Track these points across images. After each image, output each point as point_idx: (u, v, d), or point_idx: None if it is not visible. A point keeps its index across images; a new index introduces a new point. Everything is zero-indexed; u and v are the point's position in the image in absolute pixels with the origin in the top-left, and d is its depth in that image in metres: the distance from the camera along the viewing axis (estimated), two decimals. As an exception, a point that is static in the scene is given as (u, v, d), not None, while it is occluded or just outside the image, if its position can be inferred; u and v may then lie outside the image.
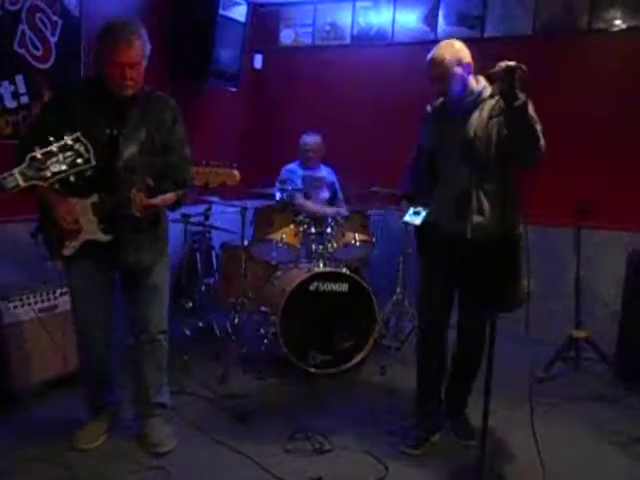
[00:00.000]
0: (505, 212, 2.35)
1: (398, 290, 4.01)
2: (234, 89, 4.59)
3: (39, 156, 1.66)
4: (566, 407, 3.14)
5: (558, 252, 4.00)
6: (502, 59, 2.22)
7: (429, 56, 2.44)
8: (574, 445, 2.77)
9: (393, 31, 4.69)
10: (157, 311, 2.53)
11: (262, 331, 3.61)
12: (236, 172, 2.29)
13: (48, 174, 1.66)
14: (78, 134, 1.70)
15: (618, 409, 3.15)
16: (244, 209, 3.70)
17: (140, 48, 2.25)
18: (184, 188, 2.36)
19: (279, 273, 3.76)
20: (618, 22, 3.99)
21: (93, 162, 1.71)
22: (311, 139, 4.16)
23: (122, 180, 2.30)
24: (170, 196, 2.37)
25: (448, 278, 2.60)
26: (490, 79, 2.31)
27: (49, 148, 1.67)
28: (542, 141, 2.31)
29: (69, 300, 2.54)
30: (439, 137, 2.52)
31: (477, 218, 2.45)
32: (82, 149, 1.69)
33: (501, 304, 2.40)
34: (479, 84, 2.48)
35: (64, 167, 1.67)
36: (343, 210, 3.98)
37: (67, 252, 2.37)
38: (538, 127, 2.29)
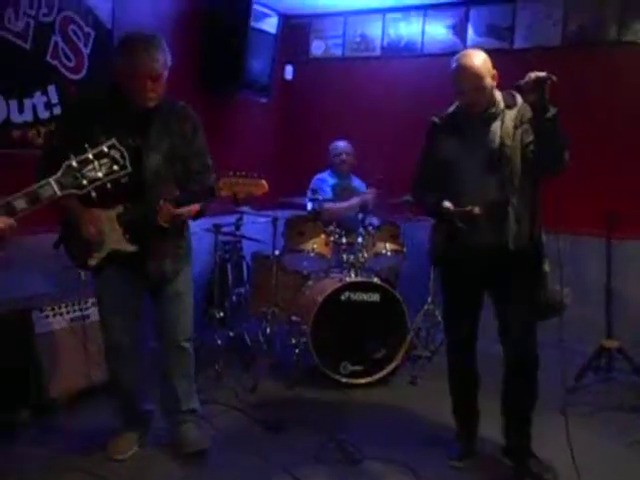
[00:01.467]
0: (535, 219, 2.38)
1: (429, 300, 3.99)
2: (265, 100, 4.61)
3: (75, 164, 1.63)
4: (598, 418, 3.09)
5: (588, 261, 4.00)
6: (532, 70, 2.20)
7: (461, 65, 2.34)
8: (607, 457, 2.71)
9: (423, 42, 4.70)
10: (182, 318, 2.52)
11: (293, 341, 3.59)
12: (264, 182, 2.27)
13: (84, 182, 1.64)
14: (114, 141, 1.68)
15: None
16: (275, 219, 3.72)
17: (162, 60, 2.25)
18: (209, 198, 2.35)
19: (310, 283, 3.75)
20: None
21: (129, 168, 1.69)
22: (342, 144, 4.16)
23: (148, 191, 2.30)
24: (195, 206, 2.38)
25: (476, 293, 2.54)
26: (520, 90, 2.26)
27: (85, 155, 1.65)
28: (567, 154, 2.28)
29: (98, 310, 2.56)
30: (457, 149, 2.42)
31: (516, 227, 2.39)
32: (118, 155, 1.66)
33: (539, 312, 2.47)
34: (498, 95, 2.45)
35: (100, 174, 1.65)
36: (371, 194, 3.92)
37: (92, 262, 2.37)
38: (565, 141, 2.27)
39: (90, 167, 1.65)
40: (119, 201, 2.29)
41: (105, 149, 1.67)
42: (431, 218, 2.66)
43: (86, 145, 1.67)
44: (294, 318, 3.65)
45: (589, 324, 3.81)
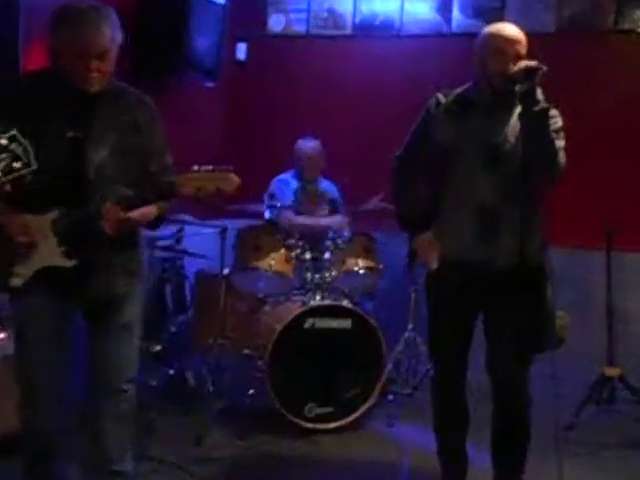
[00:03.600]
0: (534, 233, 2.42)
1: (410, 326, 4.02)
2: (212, 84, 4.61)
3: None
4: (600, 456, 3.17)
5: (586, 278, 4.14)
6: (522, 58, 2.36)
7: (501, 28, 2.48)
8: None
9: (401, 21, 4.78)
10: (127, 354, 2.43)
11: (246, 379, 3.59)
12: (233, 176, 2.23)
13: None
14: (14, 132, 1.62)
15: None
16: (224, 230, 3.68)
17: (110, 35, 2.20)
18: (169, 198, 2.31)
19: (267, 308, 3.75)
20: None
21: (34, 165, 1.63)
22: (308, 145, 4.19)
23: (91, 191, 2.23)
24: (150, 209, 2.32)
25: (466, 319, 2.60)
26: (510, 80, 2.37)
27: None
28: (562, 158, 2.39)
29: (12, 343, 2.42)
30: (455, 136, 2.50)
31: (508, 241, 2.43)
32: (20, 150, 1.60)
33: (539, 344, 2.51)
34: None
35: None
36: (341, 219, 3.98)
37: (16, 282, 2.24)
38: (560, 143, 2.38)
39: None
40: (54, 204, 2.20)
41: (3, 142, 1.60)
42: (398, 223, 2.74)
43: None
44: (247, 351, 3.64)
45: (588, 350, 3.91)
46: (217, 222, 3.76)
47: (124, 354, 2.42)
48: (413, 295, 3.96)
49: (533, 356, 2.52)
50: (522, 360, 2.51)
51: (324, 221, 3.99)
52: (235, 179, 2.24)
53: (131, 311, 2.42)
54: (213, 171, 2.22)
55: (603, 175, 4.21)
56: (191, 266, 4.24)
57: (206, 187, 2.21)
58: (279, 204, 3.87)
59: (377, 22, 4.84)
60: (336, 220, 4.01)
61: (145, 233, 2.67)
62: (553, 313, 2.50)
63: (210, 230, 3.86)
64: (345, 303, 3.54)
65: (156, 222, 2.41)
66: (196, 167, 2.22)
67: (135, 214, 2.25)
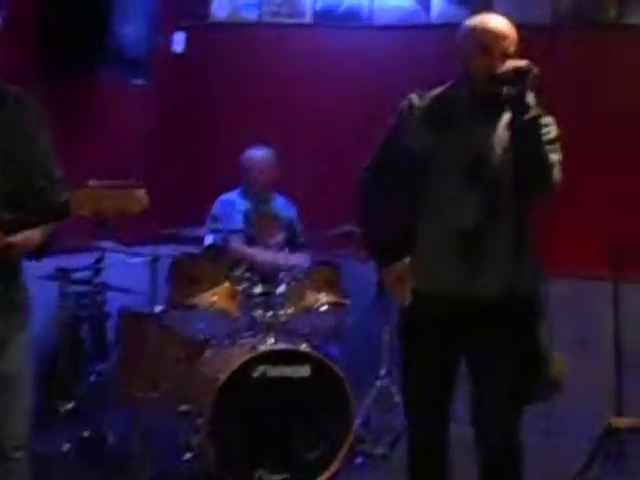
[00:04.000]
0: (526, 260, 2.46)
1: (383, 372, 4.01)
2: (141, 81, 4.61)
3: None
4: None
5: (592, 312, 4.16)
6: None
7: (487, 21, 2.51)
8: None
9: (371, 9, 4.79)
10: (14, 416, 2.35)
11: (183, 441, 3.55)
12: (142, 193, 2.19)
13: None
14: None
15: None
16: (155, 259, 3.65)
17: None
18: (57, 219, 2.26)
19: (208, 354, 3.72)
20: None
21: None
22: (259, 155, 4.20)
23: None
24: (34, 233, 2.25)
25: (446, 363, 2.60)
26: (496, 82, 2.42)
27: None
28: (556, 174, 2.42)
29: None
30: (433, 145, 2.51)
31: (495, 270, 2.46)
32: None
33: (532, 392, 2.54)
34: None
35: None
36: (304, 259, 4.01)
37: None
38: (555, 156, 2.42)
39: None
40: None
41: None
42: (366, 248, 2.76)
43: None
44: (184, 407, 3.58)
45: (593, 397, 3.95)
46: (146, 249, 3.71)
47: (10, 414, 2.35)
48: (386, 335, 3.95)
49: (525, 406, 2.53)
50: (512, 411, 2.51)
51: (282, 260, 3.94)
52: (143, 198, 2.21)
53: (15, 362, 2.36)
54: (116, 187, 2.19)
55: (611, 192, 4.26)
56: (114, 302, 4.17)
57: (106, 207, 2.18)
58: (224, 228, 3.89)
59: (342, 10, 4.84)
60: (296, 260, 3.99)
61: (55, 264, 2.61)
62: (548, 355, 2.51)
63: (137, 259, 3.81)
64: (303, 347, 3.53)
65: (42, 249, 2.35)
66: (93, 182, 2.17)
67: (17, 239, 2.21)
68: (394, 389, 3.90)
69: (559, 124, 2.48)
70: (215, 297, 3.57)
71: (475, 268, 2.46)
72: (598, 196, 4.22)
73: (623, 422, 3.66)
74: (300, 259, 4.04)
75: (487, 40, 2.46)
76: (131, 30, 4.29)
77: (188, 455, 3.45)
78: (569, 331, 3.96)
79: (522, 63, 2.34)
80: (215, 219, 3.92)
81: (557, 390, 2.57)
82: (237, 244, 4.00)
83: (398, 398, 3.84)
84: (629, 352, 3.81)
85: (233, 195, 4.17)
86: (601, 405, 3.82)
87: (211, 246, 3.88)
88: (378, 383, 3.97)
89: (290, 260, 3.95)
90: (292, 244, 4.24)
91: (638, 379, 3.92)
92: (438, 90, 2.62)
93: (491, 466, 2.58)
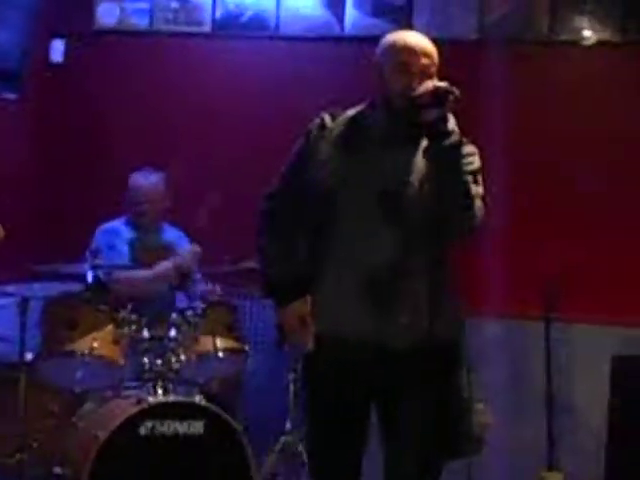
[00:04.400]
0: (445, 303, 2.49)
1: (288, 427, 4.04)
2: (13, 96, 4.57)
3: None
4: None
5: (523, 355, 4.36)
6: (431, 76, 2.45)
7: (406, 36, 2.59)
8: None
9: (278, 18, 4.89)
10: None
11: None
12: None
13: None
14: None
15: None
16: (25, 301, 3.62)
17: None
18: None
19: (88, 407, 3.69)
20: (587, 33, 4.59)
21: None
22: (146, 182, 4.19)
23: None
24: None
25: (355, 417, 2.62)
26: (413, 104, 2.43)
27: None
28: (478, 209, 2.46)
29: None
30: (344, 173, 2.53)
31: (409, 314, 2.48)
32: None
33: (450, 448, 2.57)
34: None
35: None
36: (188, 254, 4.00)
37: None
38: (478, 188, 2.47)
39: None
40: None
41: None
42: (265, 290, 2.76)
43: None
44: (58, 469, 3.53)
45: (523, 449, 4.12)
46: (14, 289, 3.69)
47: None
48: (292, 385, 3.99)
49: (443, 464, 2.56)
50: (429, 469, 2.52)
51: (164, 267, 3.99)
52: None
53: None
54: None
55: (543, 228, 4.46)
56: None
57: None
58: (107, 262, 3.86)
59: (245, 18, 4.91)
60: (183, 258, 4.03)
61: None
62: (470, 407, 2.54)
63: (4, 300, 3.81)
64: (197, 399, 3.53)
65: None
66: None
67: None
68: (301, 446, 3.93)
69: (483, 150, 2.55)
70: (96, 342, 3.54)
71: (386, 311, 2.47)
72: (533, 234, 4.42)
73: (554, 476, 3.81)
74: (188, 256, 4.05)
75: (405, 57, 2.51)
76: (3, 39, 4.26)
77: (62, 527, 3.42)
78: (501, 375, 4.11)
79: (442, 84, 2.36)
80: (96, 253, 3.88)
81: (480, 445, 2.58)
82: (123, 274, 3.97)
83: (304, 454, 3.82)
84: (562, 398, 4.01)
85: (117, 223, 4.16)
86: (532, 458, 3.97)
87: (92, 284, 3.81)
88: (282, 439, 3.99)
89: (174, 263, 4.00)
90: (185, 280, 4.17)
91: (570, 426, 4.12)
92: (352, 111, 2.64)
93: None
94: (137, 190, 4.17)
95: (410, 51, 2.52)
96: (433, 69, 2.53)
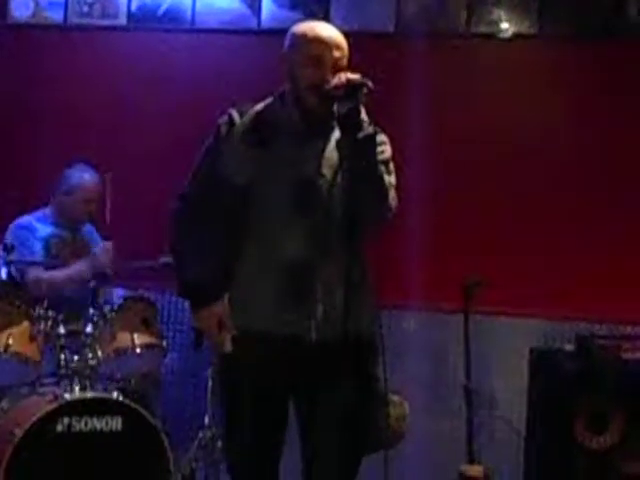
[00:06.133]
0: (361, 296, 2.52)
1: (207, 422, 4.08)
2: None
3: None
4: None
5: (444, 349, 4.48)
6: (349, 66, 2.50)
7: (317, 27, 2.61)
8: None
9: (194, 11, 4.97)
10: None
11: None
12: None
13: None
14: None
15: None
16: None
17: None
18: None
19: (3, 405, 3.66)
20: (504, 26, 4.74)
21: None
22: (93, 180, 4.17)
23: None
24: None
25: (273, 412, 2.65)
26: (326, 97, 2.48)
27: None
28: (392, 199, 2.54)
29: None
30: (255, 168, 2.55)
31: (325, 307, 2.53)
32: None
33: (366, 441, 2.62)
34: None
35: None
36: (102, 252, 3.98)
37: None
38: (391, 178, 2.55)
39: None
40: None
41: None
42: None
43: None
44: None
45: (443, 443, 4.24)
46: None
47: None
48: (210, 380, 4.01)
49: (361, 457, 2.60)
50: (346, 463, 2.56)
51: (80, 266, 3.98)
52: None
53: None
54: None
55: (463, 222, 4.56)
56: None
57: None
58: (21, 259, 3.85)
59: (161, 11, 4.98)
60: (99, 257, 4.00)
61: None
62: (385, 400, 2.55)
63: None
64: (115, 395, 3.52)
65: None
66: None
67: None
68: (220, 442, 3.96)
69: (401, 142, 2.62)
70: (11, 339, 3.52)
71: (302, 306, 2.51)
72: (453, 226, 4.51)
73: (473, 470, 3.82)
74: (102, 253, 4.01)
75: (316, 49, 2.52)
76: None
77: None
78: (422, 369, 4.23)
79: (355, 76, 2.38)
80: (10, 249, 3.80)
81: (398, 437, 2.63)
82: (35, 273, 3.94)
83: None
84: (481, 392, 4.10)
85: (32, 219, 4.12)
86: (452, 452, 4.04)
87: (6, 281, 3.82)
88: (201, 435, 4.02)
89: (91, 263, 3.98)
90: (103, 280, 4.12)
91: (490, 418, 4.25)
92: (261, 105, 2.65)
93: None
94: (86, 189, 4.15)
95: (322, 44, 2.54)
96: (345, 61, 2.56)
